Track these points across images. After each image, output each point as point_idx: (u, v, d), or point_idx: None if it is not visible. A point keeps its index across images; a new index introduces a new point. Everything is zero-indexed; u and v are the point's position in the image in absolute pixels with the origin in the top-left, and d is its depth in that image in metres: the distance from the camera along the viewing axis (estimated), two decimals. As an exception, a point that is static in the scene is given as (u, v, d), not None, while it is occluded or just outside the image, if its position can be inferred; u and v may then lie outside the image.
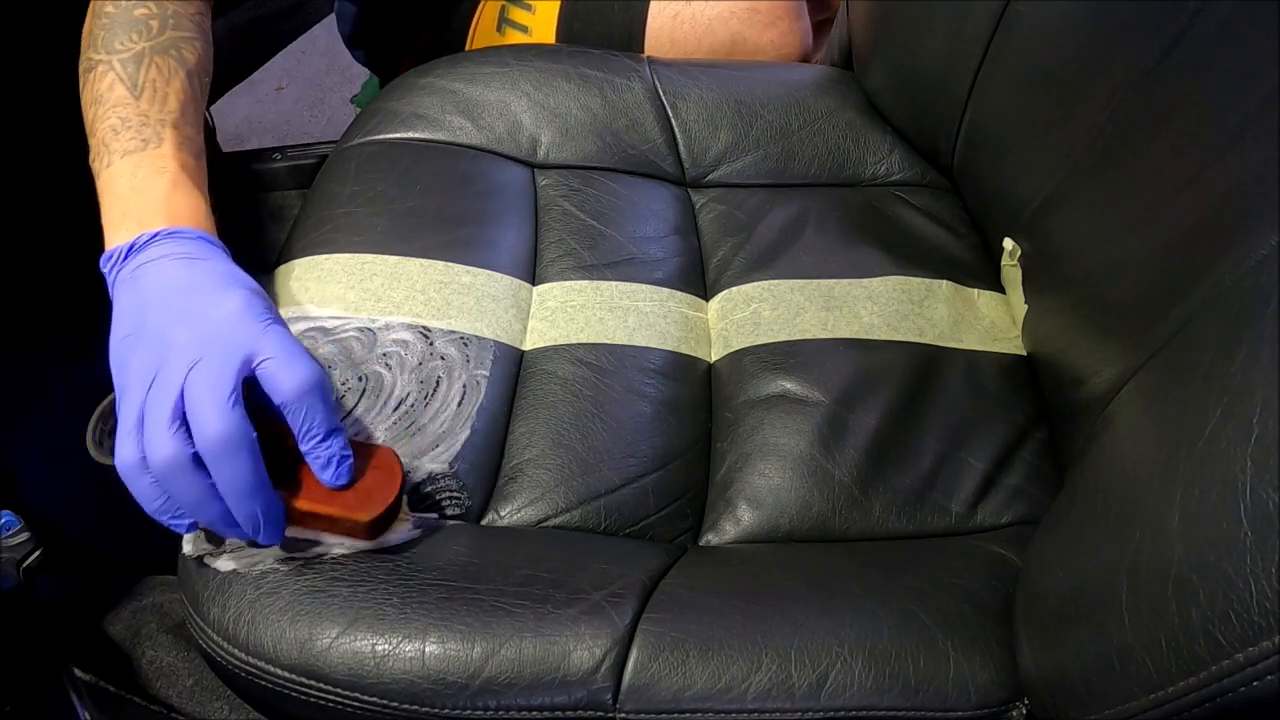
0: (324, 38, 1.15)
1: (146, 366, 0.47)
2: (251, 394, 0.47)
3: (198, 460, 0.45)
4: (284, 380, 0.47)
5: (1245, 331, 0.39)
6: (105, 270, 0.53)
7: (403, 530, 0.52)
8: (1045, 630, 0.47)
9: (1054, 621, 0.46)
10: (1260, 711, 0.34)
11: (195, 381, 0.45)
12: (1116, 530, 0.42)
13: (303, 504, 0.49)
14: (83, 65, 0.59)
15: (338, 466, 0.49)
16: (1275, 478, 0.33)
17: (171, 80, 0.58)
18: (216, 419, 0.45)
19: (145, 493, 0.47)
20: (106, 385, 1.05)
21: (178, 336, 0.47)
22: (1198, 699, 0.36)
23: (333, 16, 1.10)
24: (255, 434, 0.46)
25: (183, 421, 0.45)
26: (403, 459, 0.52)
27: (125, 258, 0.52)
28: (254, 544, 0.50)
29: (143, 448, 0.46)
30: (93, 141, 0.56)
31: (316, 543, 0.51)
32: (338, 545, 0.51)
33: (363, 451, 0.51)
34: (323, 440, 0.48)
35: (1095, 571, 0.43)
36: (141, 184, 0.54)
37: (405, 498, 0.53)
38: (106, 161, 0.55)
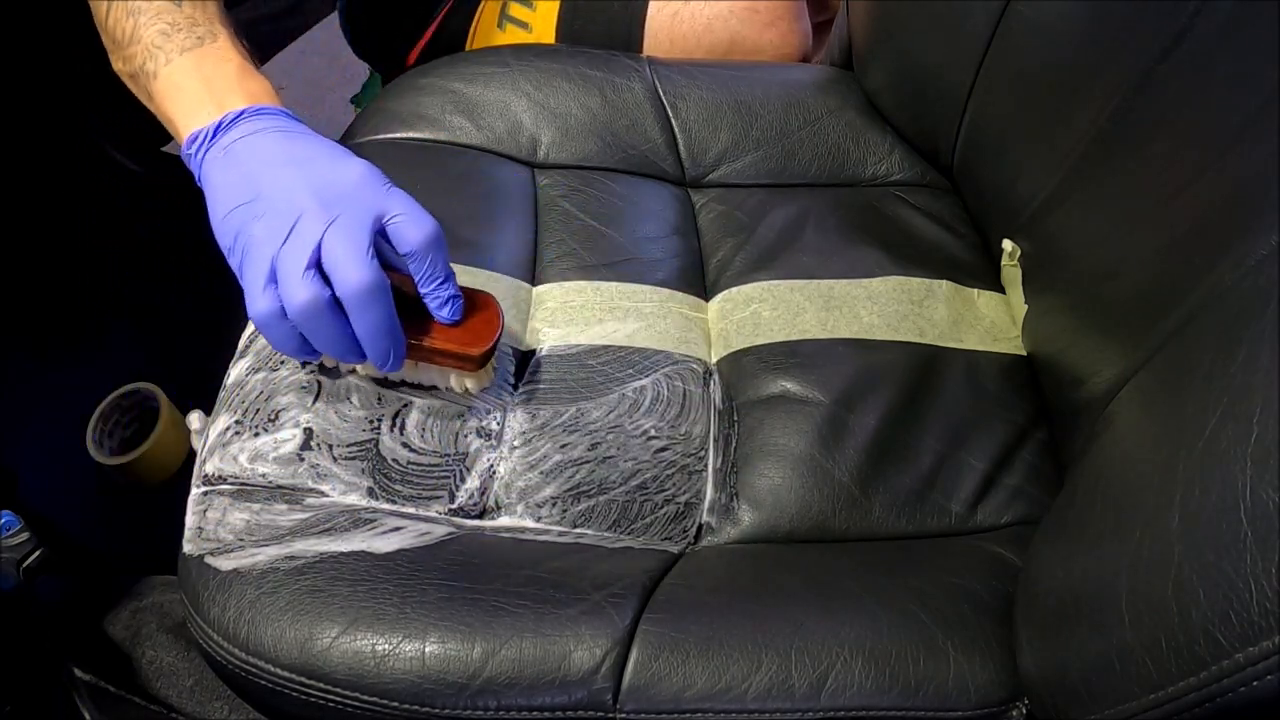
0: (324, 38, 1.15)
1: (276, 227, 0.51)
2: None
3: (335, 303, 0.51)
4: (412, 233, 0.52)
5: (1245, 331, 0.39)
6: (189, 153, 0.56)
7: (491, 372, 0.60)
8: (1045, 630, 0.47)
9: (1054, 621, 0.46)
10: (1260, 711, 0.34)
11: (334, 237, 0.50)
12: (1116, 530, 0.42)
13: (423, 340, 0.55)
14: None
15: (452, 305, 0.55)
16: (1275, 478, 0.33)
17: None
18: (358, 269, 0.50)
19: (281, 336, 0.52)
20: (106, 386, 1.05)
21: (307, 201, 0.51)
22: (1198, 699, 0.36)
23: (333, 16, 1.10)
24: (389, 281, 0.51)
25: (318, 269, 0.50)
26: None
27: (213, 137, 0.55)
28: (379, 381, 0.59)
29: (278, 297, 0.51)
30: (134, 50, 0.59)
31: (429, 383, 0.59)
32: (441, 379, 0.58)
33: (470, 297, 0.57)
34: (442, 284, 0.54)
35: (1095, 571, 0.43)
36: (210, 73, 0.57)
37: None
38: (164, 60, 0.58)
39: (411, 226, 0.53)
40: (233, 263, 0.53)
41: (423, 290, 0.55)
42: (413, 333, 0.55)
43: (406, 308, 0.54)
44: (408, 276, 0.55)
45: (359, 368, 0.58)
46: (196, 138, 0.55)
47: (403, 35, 1.03)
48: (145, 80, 0.59)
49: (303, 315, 0.50)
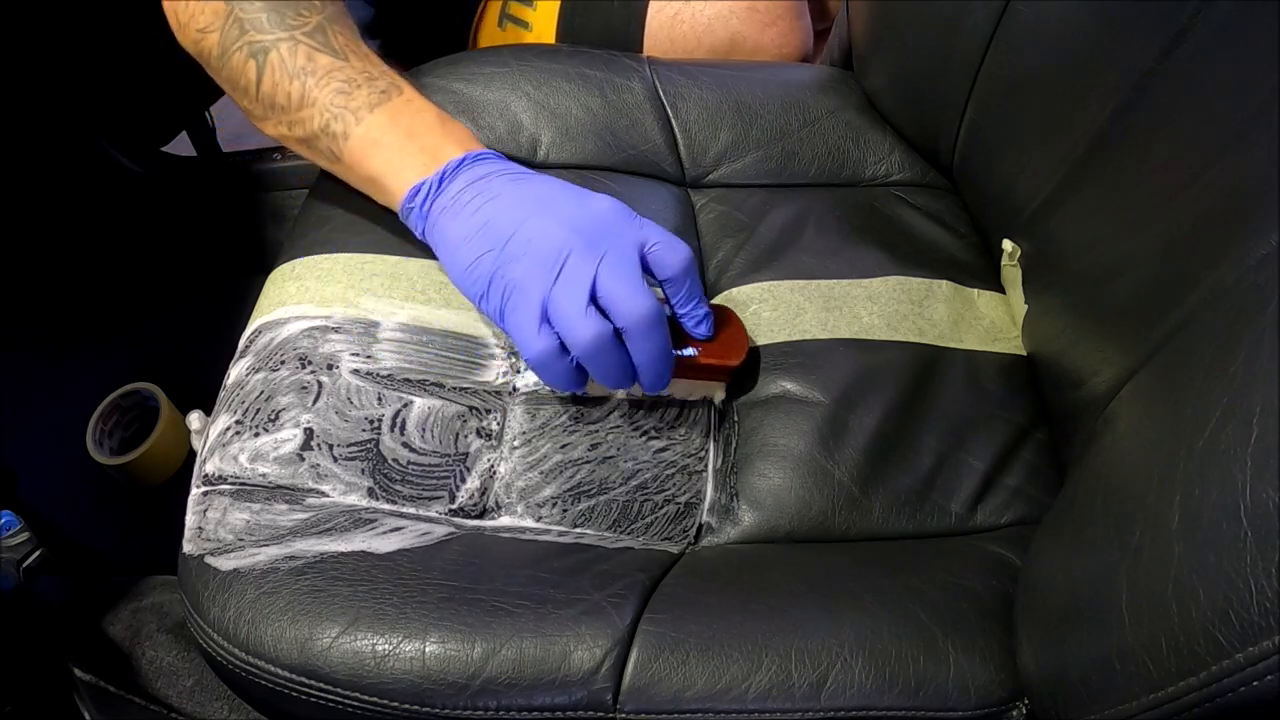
0: (324, 38, 1.15)
1: (542, 269, 0.52)
2: None
3: (615, 336, 0.52)
4: (670, 260, 0.55)
5: (1245, 331, 0.39)
6: (411, 207, 0.56)
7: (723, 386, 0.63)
8: (1045, 630, 0.47)
9: (1054, 621, 0.46)
10: (1260, 711, 0.34)
11: (607, 272, 0.52)
12: (1116, 530, 0.42)
13: (694, 359, 0.59)
14: (245, 50, 0.59)
15: (706, 322, 0.59)
16: (1275, 478, 0.33)
17: (359, 43, 0.60)
18: (639, 301, 0.52)
19: (559, 373, 0.54)
20: (106, 386, 1.05)
21: (571, 239, 0.52)
22: (1198, 699, 0.36)
23: (333, 16, 1.10)
24: (655, 307, 0.53)
25: (595, 305, 0.52)
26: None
27: (437, 189, 0.55)
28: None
29: (555, 335, 0.52)
30: (309, 113, 0.57)
31: (680, 396, 0.61)
32: (691, 391, 0.61)
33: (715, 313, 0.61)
34: (697, 304, 0.58)
35: (1095, 571, 0.43)
36: (410, 125, 0.57)
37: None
38: (354, 120, 0.57)
39: (669, 253, 0.55)
40: (487, 308, 0.54)
41: (680, 311, 0.58)
42: (679, 351, 0.58)
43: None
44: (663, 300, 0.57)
45: (621, 392, 0.60)
46: (419, 190, 0.55)
47: (439, 43, 1.03)
48: (330, 142, 0.58)
49: (589, 351, 0.52)
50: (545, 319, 0.52)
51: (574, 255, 0.52)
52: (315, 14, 0.59)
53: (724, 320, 0.62)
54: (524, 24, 0.98)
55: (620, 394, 0.61)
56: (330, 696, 0.49)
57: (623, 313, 0.52)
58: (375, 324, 0.62)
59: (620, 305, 0.52)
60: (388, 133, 0.56)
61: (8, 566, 0.69)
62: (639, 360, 0.54)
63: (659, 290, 0.59)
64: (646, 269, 0.55)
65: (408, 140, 0.56)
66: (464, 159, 0.56)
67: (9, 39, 0.82)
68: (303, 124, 0.58)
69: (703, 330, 0.59)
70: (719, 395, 0.62)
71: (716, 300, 0.70)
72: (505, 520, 0.57)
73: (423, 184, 0.55)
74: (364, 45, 0.61)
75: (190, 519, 0.55)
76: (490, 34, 1.00)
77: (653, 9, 0.94)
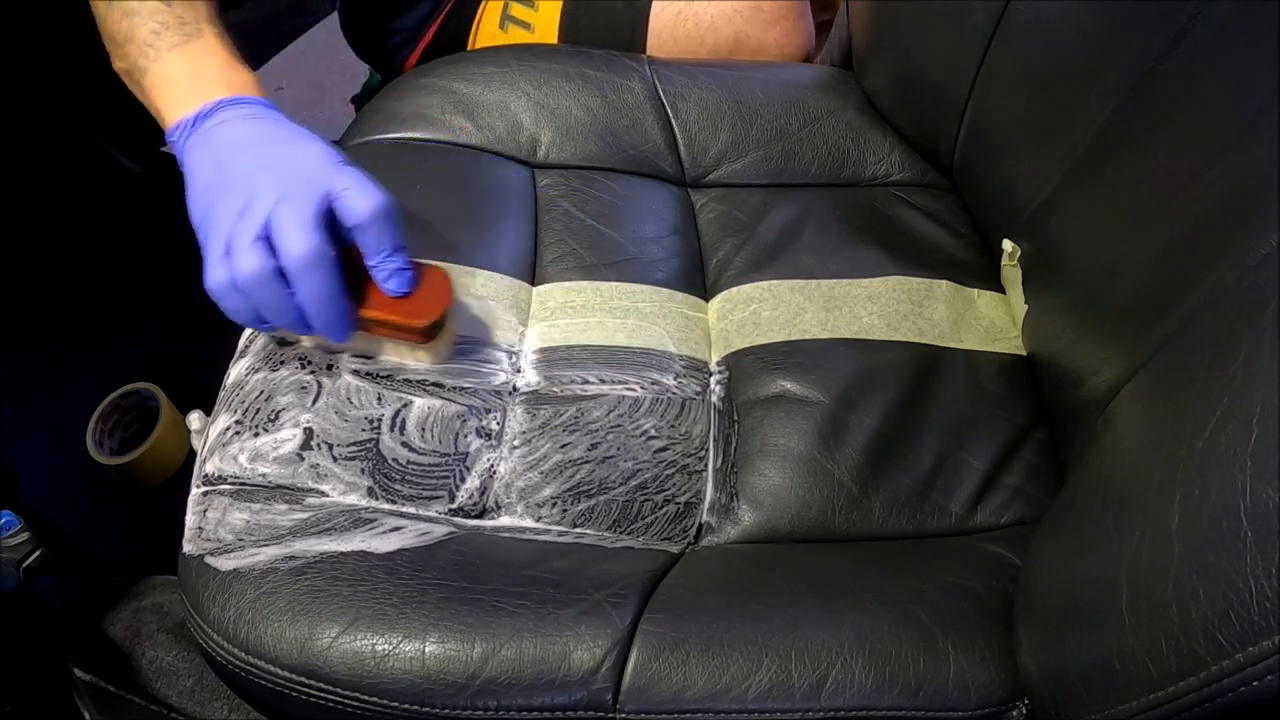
0: (324, 38, 1.15)
1: (234, 204, 0.53)
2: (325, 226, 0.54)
3: (280, 273, 0.53)
4: (359, 204, 0.54)
5: (1245, 331, 0.39)
6: (174, 140, 0.59)
7: (446, 347, 0.60)
8: (1045, 630, 0.47)
9: (1054, 621, 0.46)
10: (1260, 711, 0.34)
11: (281, 210, 0.53)
12: (1116, 530, 0.42)
13: (369, 312, 0.56)
14: None
15: (399, 277, 0.56)
16: (1275, 478, 0.33)
17: None
18: (301, 238, 0.52)
19: (235, 307, 0.54)
20: (106, 386, 1.05)
21: (263, 178, 0.54)
22: (1198, 699, 0.36)
23: (333, 16, 1.10)
24: (334, 252, 0.53)
25: (266, 241, 0.52)
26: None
27: (194, 124, 0.58)
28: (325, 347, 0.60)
29: (231, 268, 0.53)
30: (129, 49, 0.62)
31: (377, 351, 0.60)
32: (395, 353, 0.60)
33: (420, 270, 0.58)
34: (389, 255, 0.56)
35: (1095, 571, 0.43)
36: (196, 67, 0.61)
37: (454, 318, 0.60)
38: (154, 56, 0.61)
39: (357, 198, 0.54)
40: (201, 239, 0.56)
41: (369, 262, 0.56)
42: (362, 304, 0.56)
43: (362, 282, 0.56)
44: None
45: (305, 340, 0.60)
46: (180, 126, 0.58)
47: (401, 36, 1.03)
48: (138, 76, 0.62)
49: (249, 283, 0.52)
50: (228, 251, 0.53)
51: (257, 194, 0.53)
52: None
53: (429, 280, 0.58)
54: (526, 25, 0.98)
55: (307, 341, 0.60)
56: (330, 696, 0.49)
57: (282, 249, 0.52)
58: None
59: (281, 243, 0.52)
60: (177, 72, 0.61)
61: (8, 566, 0.69)
62: (301, 301, 0.54)
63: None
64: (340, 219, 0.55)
65: (189, 80, 0.60)
66: (222, 101, 0.59)
67: (9, 39, 0.81)
68: (124, 58, 0.62)
69: (392, 285, 0.57)
70: (424, 356, 0.60)
71: (716, 299, 0.70)
72: (505, 520, 0.57)
73: (183, 120, 0.58)
74: None
75: (190, 519, 0.55)
76: (490, 35, 1.00)
77: (656, 9, 0.94)
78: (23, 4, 0.86)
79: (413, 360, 0.60)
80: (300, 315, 0.55)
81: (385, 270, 0.56)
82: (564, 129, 0.78)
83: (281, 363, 0.60)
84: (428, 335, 0.58)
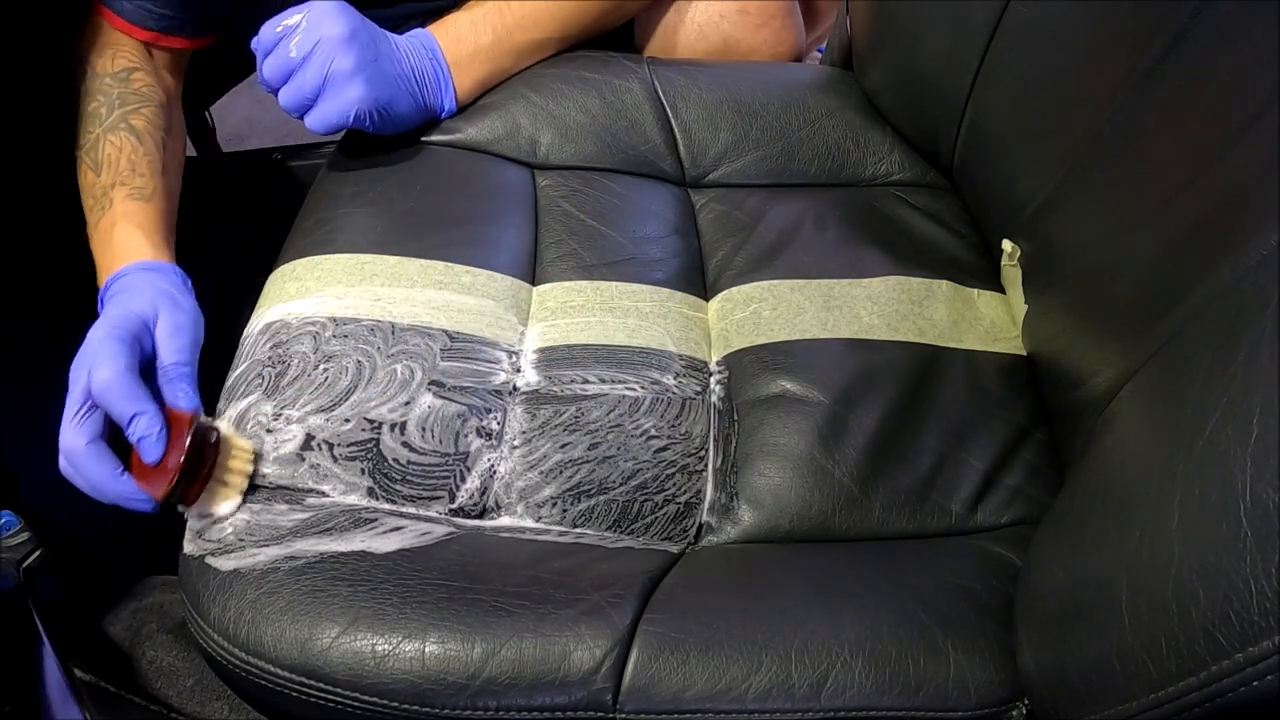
0: (324, 38, 1.16)
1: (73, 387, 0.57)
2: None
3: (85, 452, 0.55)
4: (93, 384, 0.55)
5: (1245, 331, 0.39)
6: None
7: (230, 502, 0.55)
8: (1045, 630, 0.47)
9: (1054, 621, 0.46)
10: (1260, 711, 0.34)
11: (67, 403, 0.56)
12: (1116, 530, 0.42)
13: (145, 486, 0.55)
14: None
15: (144, 445, 0.55)
16: (1275, 478, 0.33)
17: (122, 148, 0.69)
18: (64, 432, 0.55)
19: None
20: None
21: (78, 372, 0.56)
22: (1198, 699, 0.36)
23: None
24: (89, 441, 0.55)
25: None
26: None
27: (100, 310, 0.62)
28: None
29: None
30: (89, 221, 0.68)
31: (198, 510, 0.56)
32: (208, 503, 0.55)
33: (172, 422, 0.55)
34: (128, 426, 0.55)
35: (1095, 571, 0.43)
36: (100, 245, 0.66)
37: (238, 456, 0.56)
38: (90, 236, 0.67)
39: (93, 377, 0.55)
40: None
41: (127, 437, 0.56)
42: (140, 479, 0.55)
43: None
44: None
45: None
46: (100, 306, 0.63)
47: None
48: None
49: (63, 469, 0.56)
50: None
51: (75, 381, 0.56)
52: (98, 127, 0.69)
53: (173, 434, 0.55)
54: None
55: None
56: (330, 696, 0.49)
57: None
58: (376, 324, 0.62)
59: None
60: (95, 251, 0.66)
61: (8, 566, 0.69)
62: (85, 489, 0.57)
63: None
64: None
65: (100, 258, 0.66)
66: (107, 284, 0.63)
67: (9, 39, 0.81)
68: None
69: (147, 458, 0.55)
70: (218, 510, 0.55)
71: (716, 299, 0.70)
72: (505, 520, 0.57)
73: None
74: (134, 143, 0.69)
75: (191, 519, 0.56)
76: None
77: (641, 19, 0.94)
78: (24, 5, 0.86)
79: (217, 510, 0.55)
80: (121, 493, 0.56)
81: (133, 434, 0.55)
82: (563, 130, 0.78)
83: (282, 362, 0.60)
84: (180, 501, 0.54)
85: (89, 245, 0.67)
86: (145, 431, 0.54)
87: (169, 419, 0.56)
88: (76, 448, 0.55)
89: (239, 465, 0.55)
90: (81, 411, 0.55)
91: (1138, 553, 0.40)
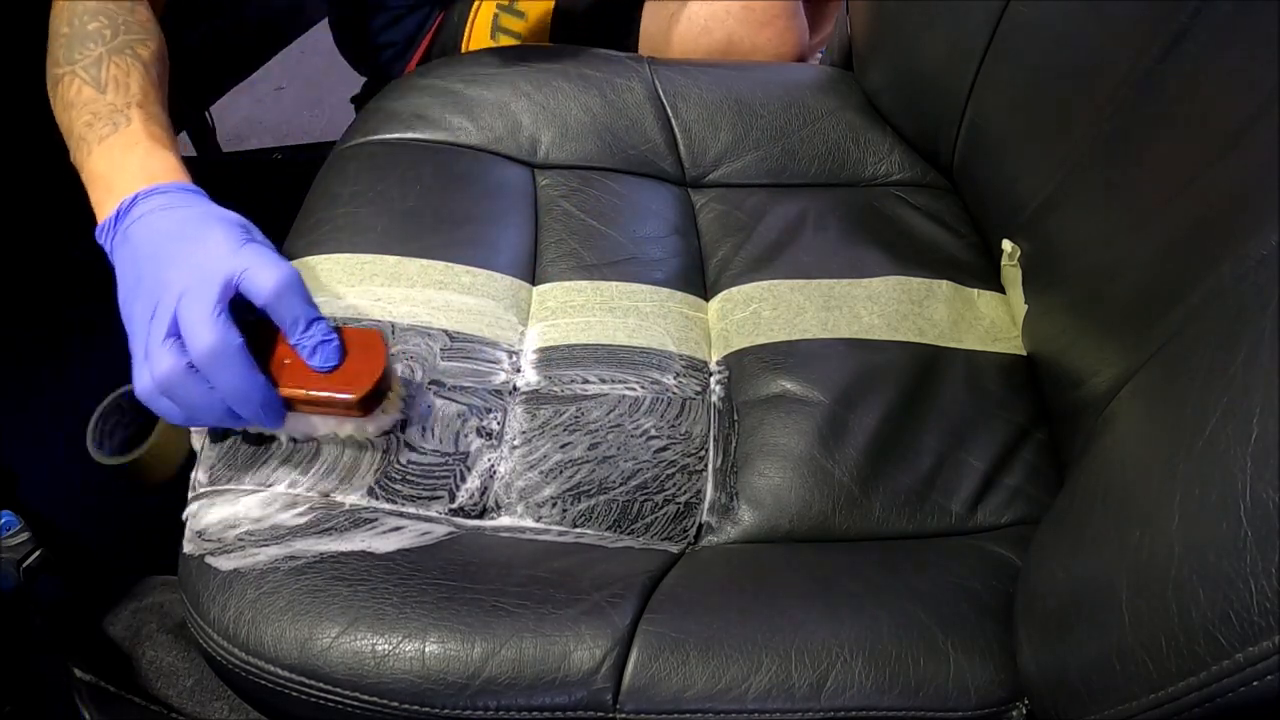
0: (324, 38, 1.16)
1: (146, 306, 0.52)
2: (246, 310, 0.53)
3: (194, 369, 0.51)
4: (261, 283, 0.52)
5: (1245, 331, 0.39)
6: (103, 244, 0.58)
7: (393, 413, 0.57)
8: (1045, 630, 0.47)
9: (1054, 621, 0.46)
10: (1260, 711, 0.34)
11: (184, 305, 0.51)
12: (1116, 530, 0.42)
13: (297, 392, 0.53)
14: (50, 81, 0.64)
15: (322, 351, 0.54)
16: (1275, 478, 0.34)
17: (131, 73, 0.63)
18: (204, 332, 0.50)
19: (162, 409, 0.53)
20: (107, 385, 1.05)
21: (169, 275, 0.52)
22: (1198, 699, 0.36)
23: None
24: (241, 339, 0.51)
25: (176, 338, 0.51)
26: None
27: (115, 224, 0.57)
28: (262, 434, 0.57)
29: (151, 372, 0.51)
30: (71, 142, 0.61)
31: (315, 430, 0.56)
32: (339, 428, 0.56)
33: (351, 337, 0.55)
34: (305, 329, 0.54)
35: (1095, 571, 0.43)
36: (118, 160, 0.59)
37: (398, 378, 0.57)
38: (87, 152, 0.60)
39: (260, 275, 0.52)
40: (130, 344, 0.54)
41: (291, 341, 0.54)
42: (290, 385, 0.53)
43: (289, 361, 0.54)
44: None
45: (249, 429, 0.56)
46: (104, 228, 0.57)
47: (394, 50, 1.03)
48: (80, 172, 0.60)
49: (167, 385, 0.51)
50: (146, 356, 0.52)
51: (164, 293, 0.52)
52: (101, 46, 0.63)
53: (361, 346, 0.55)
54: (516, 35, 0.98)
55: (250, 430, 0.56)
56: (330, 696, 0.49)
57: (190, 347, 0.51)
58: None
59: (187, 340, 0.51)
60: (101, 165, 0.60)
61: (8, 566, 0.69)
62: (224, 394, 0.52)
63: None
64: (245, 298, 0.53)
65: (113, 174, 0.59)
66: (136, 196, 0.57)
67: (9, 39, 0.81)
68: (71, 151, 0.61)
69: (317, 361, 0.54)
70: (370, 428, 0.56)
71: (716, 299, 0.70)
72: (505, 520, 0.57)
73: (105, 223, 0.57)
74: (142, 70, 0.63)
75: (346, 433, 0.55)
76: (481, 44, 1.00)
77: (648, 12, 0.94)
78: (24, 4, 0.86)
79: (358, 433, 0.56)
80: (227, 409, 0.52)
81: (306, 346, 0.54)
82: (564, 129, 0.78)
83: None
84: (364, 407, 0.54)
85: (79, 178, 0.60)
86: (327, 335, 0.54)
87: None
88: (227, 346, 0.50)
89: (396, 386, 0.57)
90: (216, 312, 0.50)
91: (1138, 553, 0.40)
